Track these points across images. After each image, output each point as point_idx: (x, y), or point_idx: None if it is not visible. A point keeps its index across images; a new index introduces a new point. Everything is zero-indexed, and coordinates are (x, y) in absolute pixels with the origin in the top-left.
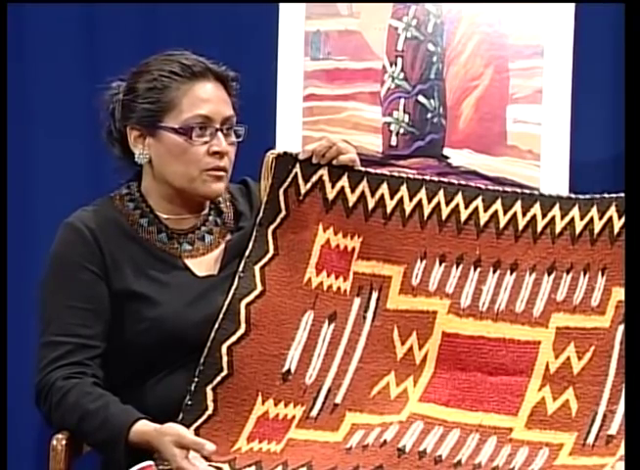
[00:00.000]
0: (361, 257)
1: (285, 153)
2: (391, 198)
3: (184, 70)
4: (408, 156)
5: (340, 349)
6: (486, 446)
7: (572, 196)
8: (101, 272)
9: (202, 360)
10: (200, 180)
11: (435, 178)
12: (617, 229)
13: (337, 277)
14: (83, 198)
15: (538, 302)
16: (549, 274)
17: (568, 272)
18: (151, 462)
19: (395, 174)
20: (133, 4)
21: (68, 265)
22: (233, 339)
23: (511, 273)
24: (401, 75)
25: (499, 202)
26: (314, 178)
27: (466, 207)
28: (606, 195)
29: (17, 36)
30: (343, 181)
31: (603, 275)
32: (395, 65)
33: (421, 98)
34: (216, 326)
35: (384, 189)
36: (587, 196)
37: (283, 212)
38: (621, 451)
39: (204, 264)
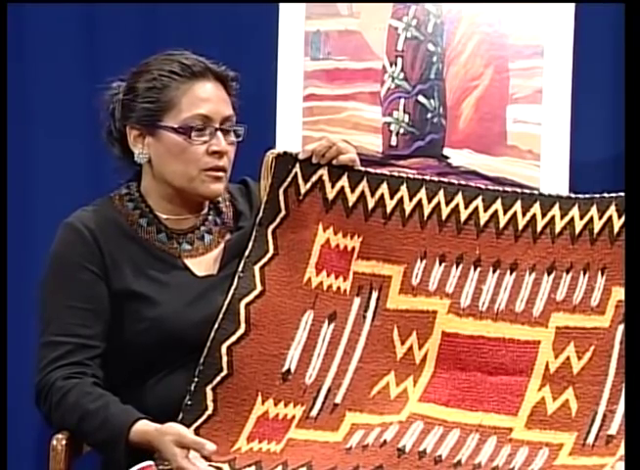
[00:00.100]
0: (361, 256)
1: (285, 153)
2: (391, 198)
3: (184, 69)
4: (408, 156)
5: (339, 348)
6: (486, 446)
7: (572, 196)
8: (100, 272)
9: (201, 360)
10: (199, 180)
11: (435, 178)
12: (616, 229)
13: (337, 277)
14: (83, 198)
15: (538, 301)
16: (549, 274)
17: (567, 272)
18: (151, 462)
19: (395, 174)
20: (133, 4)
21: (68, 265)
22: (233, 339)
23: (511, 273)
24: (401, 75)
25: (499, 202)
26: (314, 178)
27: (466, 206)
28: (606, 195)
29: (17, 36)
30: (343, 181)
31: (603, 275)
32: (395, 65)
33: (421, 98)
34: (216, 326)
35: (384, 189)
36: (587, 196)
37: (283, 212)
38: (621, 451)
39: (203, 264)
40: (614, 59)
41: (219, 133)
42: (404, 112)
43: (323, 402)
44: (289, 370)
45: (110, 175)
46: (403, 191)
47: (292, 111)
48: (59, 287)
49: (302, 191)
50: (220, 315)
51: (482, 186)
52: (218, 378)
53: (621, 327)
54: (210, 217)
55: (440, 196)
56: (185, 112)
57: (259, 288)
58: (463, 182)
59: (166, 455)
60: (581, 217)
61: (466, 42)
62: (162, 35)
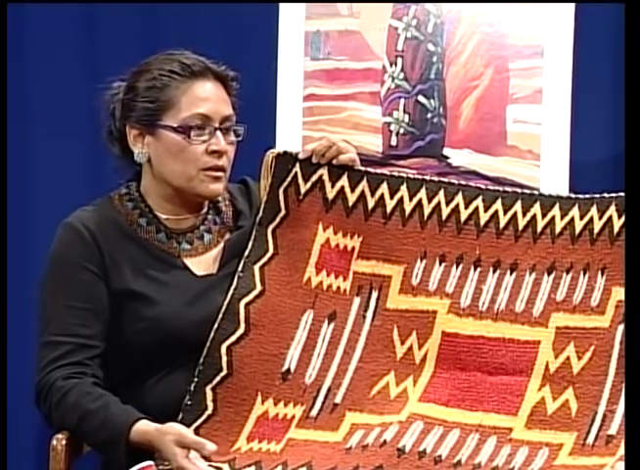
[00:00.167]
0: (361, 256)
1: (285, 152)
2: (391, 198)
3: (184, 69)
4: (408, 156)
5: (339, 348)
6: (486, 445)
7: (572, 196)
8: (100, 272)
9: (201, 360)
10: (197, 179)
11: (436, 178)
12: (616, 229)
13: (336, 277)
14: (83, 198)
15: (538, 301)
16: (549, 274)
17: (567, 272)
18: (151, 462)
19: (395, 174)
20: (133, 4)
21: (68, 265)
22: (232, 339)
23: (511, 273)
24: (401, 75)
25: (499, 202)
26: (314, 178)
27: (466, 207)
28: (606, 195)
29: (17, 36)
30: (343, 181)
31: (603, 275)
32: (395, 65)
33: (421, 98)
34: (216, 326)
35: (384, 189)
36: (587, 196)
37: (283, 212)
38: (621, 451)
39: (202, 264)
40: (614, 59)
41: (219, 133)
42: (404, 112)
43: (323, 402)
44: (288, 370)
45: (109, 175)
46: (403, 191)
47: (292, 111)
48: (58, 287)
49: (302, 191)
50: (220, 315)
51: (483, 186)
52: (218, 378)
53: (621, 327)
54: (210, 217)
55: (441, 196)
56: (184, 111)
57: (259, 288)
58: (463, 182)
59: (167, 455)
60: (581, 218)
61: (466, 42)
62: (162, 35)
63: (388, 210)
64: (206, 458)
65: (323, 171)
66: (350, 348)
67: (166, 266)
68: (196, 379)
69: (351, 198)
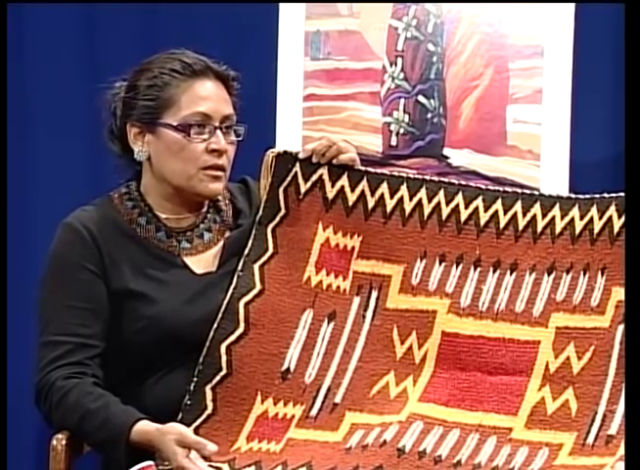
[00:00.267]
0: (361, 256)
1: (285, 152)
2: (391, 197)
3: (184, 67)
4: (408, 156)
5: (339, 348)
6: (486, 445)
7: (573, 196)
8: (99, 272)
9: (201, 360)
10: (197, 178)
11: (436, 178)
12: (616, 229)
13: (336, 276)
14: (83, 198)
15: (538, 301)
16: (549, 274)
17: (567, 272)
18: (151, 462)
19: (395, 174)
20: (133, 4)
21: (67, 265)
22: (232, 338)
23: (511, 273)
24: (401, 75)
25: (499, 202)
26: (314, 177)
27: (466, 207)
28: (606, 195)
29: (17, 36)
30: (343, 180)
31: (603, 275)
32: (395, 65)
33: (421, 98)
34: (215, 325)
35: (384, 188)
36: (587, 196)
37: (282, 211)
38: (621, 451)
39: (202, 262)
40: (614, 59)
41: (219, 132)
42: (404, 112)
43: (323, 402)
44: (288, 369)
45: (109, 175)
46: (403, 191)
47: (292, 111)
48: (58, 287)
49: (302, 190)
50: (219, 315)
51: (483, 186)
52: (218, 377)
53: (621, 327)
54: (210, 215)
55: (441, 196)
56: (184, 109)
57: (259, 287)
58: (463, 182)
59: (167, 455)
60: (581, 218)
61: (466, 42)
62: (162, 35)
63: (389, 209)
64: (206, 458)
65: (323, 171)
66: (350, 347)
67: (166, 265)
68: (195, 378)
69: (351, 197)
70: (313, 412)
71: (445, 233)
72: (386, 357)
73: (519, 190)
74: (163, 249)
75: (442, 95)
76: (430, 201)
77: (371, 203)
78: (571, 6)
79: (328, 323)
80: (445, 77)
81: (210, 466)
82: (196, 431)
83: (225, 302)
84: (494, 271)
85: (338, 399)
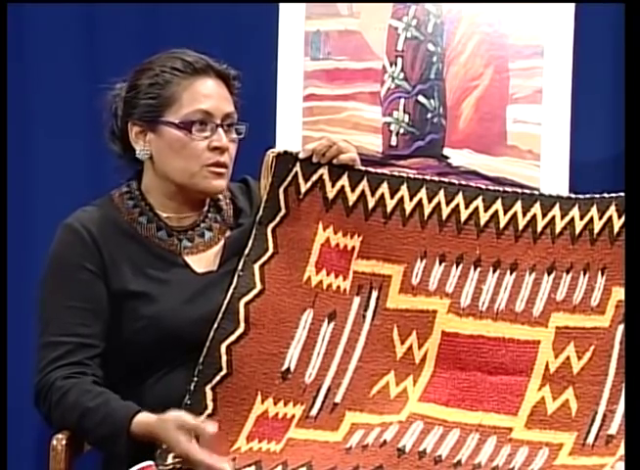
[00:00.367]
0: (361, 256)
1: (285, 152)
2: (392, 197)
3: (186, 66)
4: (408, 156)
5: (339, 348)
6: (486, 445)
7: (573, 196)
8: (99, 272)
9: (201, 360)
10: (200, 176)
11: (436, 178)
12: (616, 229)
13: (336, 276)
14: (83, 198)
15: (538, 301)
16: (549, 274)
17: (567, 272)
18: (151, 462)
19: (396, 174)
20: (133, 4)
21: (67, 266)
22: (232, 338)
23: (511, 273)
24: (401, 75)
25: (499, 202)
26: (314, 177)
27: (466, 207)
28: (606, 195)
29: (17, 36)
30: (344, 180)
31: (603, 275)
32: (395, 65)
33: (421, 98)
34: (215, 325)
35: (384, 188)
36: (587, 196)
37: (283, 211)
38: (621, 451)
39: (203, 261)
40: (614, 59)
41: (220, 129)
42: (404, 112)
43: (323, 402)
44: (288, 369)
45: (110, 175)
46: (404, 191)
47: (292, 111)
48: (58, 287)
49: (303, 190)
50: (220, 314)
51: (483, 186)
52: (218, 377)
53: (621, 327)
54: (211, 215)
55: (441, 196)
56: (186, 107)
57: (259, 287)
58: (463, 182)
59: (170, 443)
60: (581, 218)
61: (466, 42)
62: (163, 35)
63: (389, 209)
64: None
65: (323, 171)
66: (350, 347)
67: (167, 264)
68: (195, 378)
69: (352, 197)
70: (313, 412)
71: (445, 233)
72: (386, 357)
73: (519, 190)
74: (164, 248)
75: (442, 95)
76: (430, 201)
77: (371, 203)
78: (571, 6)
79: (328, 323)
80: (445, 77)
81: None
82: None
83: (225, 301)
84: (494, 271)
85: (338, 399)
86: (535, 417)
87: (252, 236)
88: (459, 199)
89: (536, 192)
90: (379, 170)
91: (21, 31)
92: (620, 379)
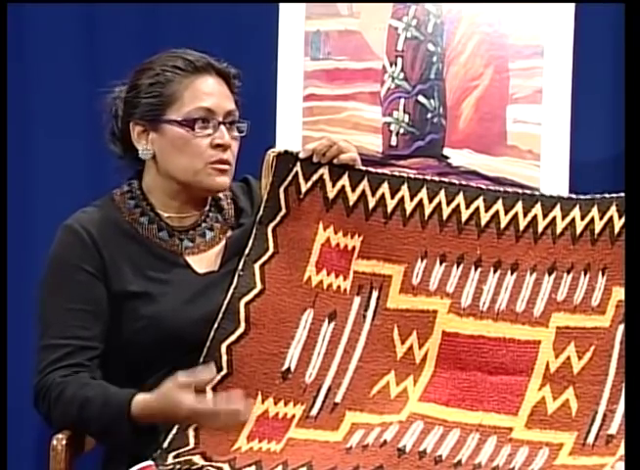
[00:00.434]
0: (361, 256)
1: (285, 151)
2: (392, 197)
3: (186, 64)
4: (408, 156)
5: (339, 347)
6: (486, 445)
7: (573, 196)
8: (99, 273)
9: (201, 360)
10: (204, 173)
11: (436, 178)
12: (617, 229)
13: (337, 276)
14: (83, 198)
15: (539, 301)
16: (550, 274)
17: (568, 272)
18: (151, 462)
19: (396, 174)
20: (133, 4)
21: (67, 267)
22: (232, 338)
23: (511, 273)
24: (401, 75)
25: (500, 202)
26: (315, 177)
27: (467, 207)
28: (606, 195)
29: (17, 36)
30: (344, 180)
31: (603, 275)
32: (395, 65)
33: (421, 98)
34: (216, 325)
35: (384, 188)
36: (588, 196)
37: (283, 211)
38: (621, 451)
39: (204, 261)
40: (614, 59)
41: (222, 127)
42: (404, 112)
43: (323, 402)
44: (289, 369)
45: (110, 176)
46: (404, 191)
47: (292, 111)
48: (58, 289)
49: (303, 190)
50: (220, 314)
51: (483, 187)
52: (218, 377)
53: (622, 327)
54: (212, 214)
55: (441, 196)
56: (188, 105)
57: (259, 286)
58: (464, 182)
59: (173, 410)
60: (582, 218)
61: (466, 42)
62: (163, 35)
63: (389, 209)
64: (207, 458)
65: (324, 171)
66: (351, 347)
67: (168, 265)
68: None
69: (352, 197)
70: (313, 412)
71: (446, 233)
72: (386, 357)
73: (519, 190)
74: (166, 248)
75: (442, 95)
76: (430, 201)
77: (372, 203)
78: (571, 6)
79: (328, 323)
80: (445, 77)
81: (211, 466)
82: (196, 431)
83: (226, 301)
84: (495, 271)
85: (338, 399)
86: (536, 417)
87: (253, 236)
88: (460, 199)
89: (537, 193)
90: (379, 170)
91: (21, 31)
92: (621, 379)
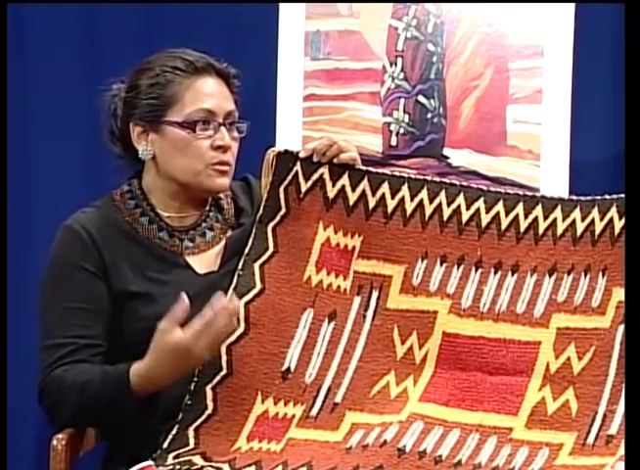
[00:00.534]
0: (361, 256)
1: (286, 151)
2: (392, 197)
3: (187, 65)
4: (408, 156)
5: (339, 347)
6: (486, 445)
7: (574, 198)
8: (99, 272)
9: None
10: (205, 174)
11: (437, 179)
12: (617, 230)
13: (337, 276)
14: (83, 198)
15: (539, 302)
16: (550, 275)
17: (569, 273)
18: (151, 462)
19: (397, 174)
20: (133, 4)
21: (67, 267)
22: (232, 338)
23: (512, 274)
24: (401, 75)
25: (501, 203)
26: (315, 176)
27: (467, 208)
28: (607, 196)
29: (17, 36)
30: (344, 180)
31: (603, 276)
32: (395, 65)
33: (421, 98)
34: None
35: (385, 188)
36: (588, 198)
37: (283, 210)
38: (621, 451)
39: (204, 261)
40: (614, 59)
41: (223, 128)
42: (404, 112)
43: (323, 402)
44: (288, 369)
45: (110, 176)
46: (404, 191)
47: (292, 111)
48: (58, 289)
49: (303, 189)
50: None
51: (484, 188)
52: (218, 377)
53: (622, 328)
54: (212, 214)
55: (442, 197)
56: (188, 106)
57: (259, 286)
58: (465, 183)
59: (174, 351)
60: (583, 219)
61: (466, 42)
62: (162, 35)
63: (389, 209)
64: (207, 459)
65: (324, 170)
66: (350, 347)
67: (168, 265)
68: (195, 379)
69: (352, 197)
70: (313, 412)
71: (447, 234)
72: (386, 357)
73: (520, 192)
74: (166, 248)
75: (442, 95)
76: (431, 201)
77: (372, 202)
78: (571, 6)
79: (328, 323)
80: (445, 77)
81: (211, 466)
82: (196, 431)
83: None
84: (495, 272)
85: (338, 399)
86: (536, 417)
87: (253, 235)
88: (460, 200)
89: (538, 194)
90: (379, 170)
91: (21, 31)
92: (621, 379)
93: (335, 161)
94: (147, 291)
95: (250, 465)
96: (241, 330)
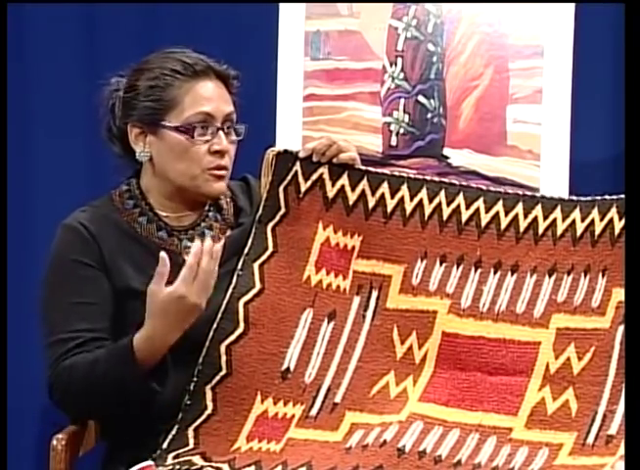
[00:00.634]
0: (361, 255)
1: (285, 150)
2: (392, 197)
3: (186, 68)
4: (408, 156)
5: (339, 347)
6: (486, 445)
7: (574, 198)
8: (100, 267)
9: (200, 360)
10: (202, 179)
11: (437, 179)
12: (617, 230)
13: (336, 275)
14: (83, 198)
15: (539, 303)
16: (550, 276)
17: (568, 274)
18: (151, 462)
19: (396, 174)
20: (133, 4)
21: (68, 264)
22: (232, 338)
23: (512, 274)
24: (401, 75)
25: (500, 203)
26: (314, 176)
27: (467, 207)
28: (607, 196)
29: (17, 36)
30: (344, 180)
31: (603, 276)
32: (395, 65)
33: (421, 98)
34: (215, 325)
35: (384, 188)
36: (588, 198)
37: (282, 210)
38: (621, 451)
39: None
40: (614, 59)
41: (221, 132)
42: (404, 112)
43: (323, 402)
44: (288, 369)
45: (109, 175)
46: (404, 191)
47: (292, 111)
48: (60, 286)
49: (303, 189)
50: (219, 315)
51: (484, 187)
52: (217, 377)
53: (622, 328)
54: (211, 214)
55: (442, 196)
56: (188, 110)
57: (258, 286)
58: (464, 183)
59: (169, 307)
60: (582, 220)
61: (466, 42)
62: (162, 35)
63: (389, 209)
64: (206, 459)
65: (323, 170)
66: (350, 347)
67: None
68: (195, 379)
69: (352, 197)
70: (313, 412)
71: (446, 234)
72: (386, 357)
73: (520, 192)
74: (165, 248)
75: (442, 95)
76: (430, 201)
77: (371, 202)
78: (571, 6)
79: (328, 323)
80: (445, 77)
81: (210, 466)
82: (196, 431)
83: (225, 301)
84: (495, 272)
85: (338, 399)
86: (535, 417)
87: (252, 235)
88: (460, 200)
89: (538, 194)
90: (379, 170)
91: (21, 31)
92: (621, 379)
93: (334, 160)
94: (146, 289)
95: (249, 465)
96: (240, 330)
